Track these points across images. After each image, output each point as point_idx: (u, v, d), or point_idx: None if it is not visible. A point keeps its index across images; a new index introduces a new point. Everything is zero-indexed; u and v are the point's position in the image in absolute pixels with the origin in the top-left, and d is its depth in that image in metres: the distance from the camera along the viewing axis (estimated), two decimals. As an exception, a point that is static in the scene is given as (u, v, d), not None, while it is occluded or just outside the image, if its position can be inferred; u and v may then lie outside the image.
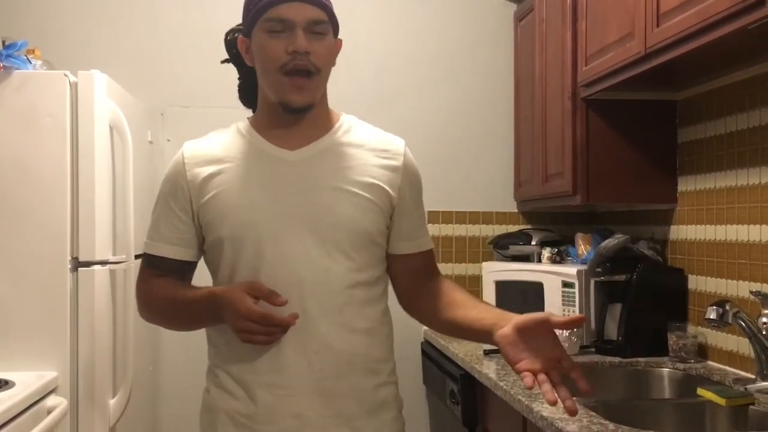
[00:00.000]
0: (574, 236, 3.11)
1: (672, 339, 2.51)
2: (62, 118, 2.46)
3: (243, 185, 1.55)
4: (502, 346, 1.42)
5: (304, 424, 1.52)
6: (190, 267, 1.64)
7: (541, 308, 2.92)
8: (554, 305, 2.87)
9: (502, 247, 3.36)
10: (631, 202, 2.84)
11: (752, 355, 2.17)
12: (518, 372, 1.36)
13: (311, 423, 1.52)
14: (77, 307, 2.48)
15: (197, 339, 1.68)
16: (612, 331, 2.70)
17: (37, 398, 2.24)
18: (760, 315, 2.11)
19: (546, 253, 3.14)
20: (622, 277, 2.67)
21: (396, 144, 1.67)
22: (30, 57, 2.57)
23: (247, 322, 1.44)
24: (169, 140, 3.30)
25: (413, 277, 1.68)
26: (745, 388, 2.09)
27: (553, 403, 1.33)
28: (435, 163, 3.47)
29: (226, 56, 1.69)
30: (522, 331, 1.40)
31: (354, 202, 1.56)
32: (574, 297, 2.78)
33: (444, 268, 3.47)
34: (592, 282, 2.77)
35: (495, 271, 3.28)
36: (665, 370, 2.48)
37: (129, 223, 2.63)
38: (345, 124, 1.65)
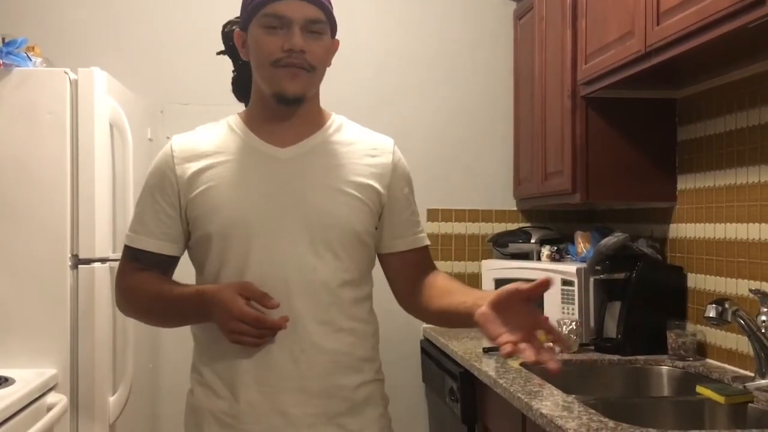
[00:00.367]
0: (573, 234, 3.12)
1: (671, 337, 2.52)
2: (62, 116, 2.46)
3: (233, 181, 1.55)
4: (481, 325, 1.40)
5: (288, 423, 1.52)
6: (173, 262, 1.63)
7: (541, 306, 2.92)
8: (554, 303, 2.87)
9: (501, 245, 3.36)
10: (631, 200, 2.84)
11: (751, 353, 2.17)
12: (499, 345, 1.35)
13: (296, 421, 1.52)
14: (77, 305, 2.48)
15: (197, 337, 1.67)
16: (611, 329, 2.70)
17: (37, 395, 2.24)
18: (759, 313, 2.11)
19: (545, 251, 3.14)
20: (622, 275, 2.67)
21: (385, 143, 1.66)
22: (30, 54, 2.57)
23: (238, 323, 1.44)
24: (168, 137, 3.26)
25: (409, 275, 1.68)
26: (744, 386, 2.09)
27: (534, 361, 1.33)
28: (435, 162, 3.48)
29: (223, 48, 1.69)
30: (497, 306, 1.39)
31: (344, 201, 1.56)
32: (574, 295, 2.78)
33: (443, 266, 3.47)
34: (592, 280, 2.78)
35: (494, 269, 3.28)
36: (664, 368, 2.48)
37: (129, 221, 2.62)
38: (335, 123, 1.65)
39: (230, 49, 1.66)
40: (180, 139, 1.63)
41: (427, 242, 1.71)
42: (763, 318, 2.09)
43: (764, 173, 2.24)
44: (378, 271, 1.69)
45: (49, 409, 2.29)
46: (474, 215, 3.52)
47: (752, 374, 2.16)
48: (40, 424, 2.15)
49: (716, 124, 2.49)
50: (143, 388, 2.99)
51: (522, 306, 1.39)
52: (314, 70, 1.54)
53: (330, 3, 1.58)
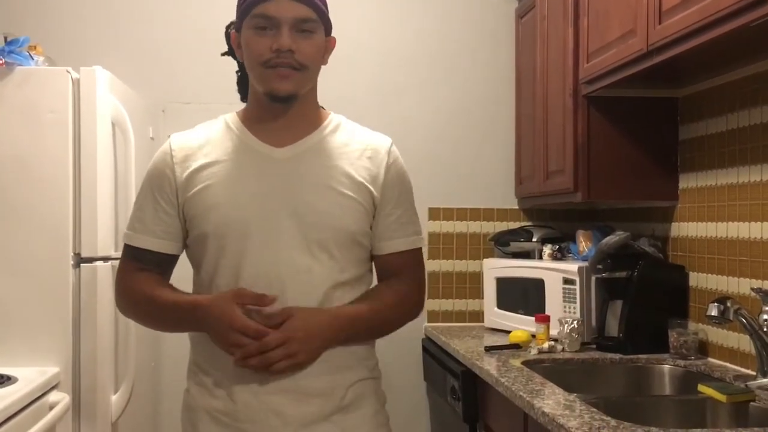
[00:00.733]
0: (575, 233, 3.11)
1: (673, 336, 2.52)
2: (64, 115, 2.46)
3: (229, 181, 1.56)
4: None
5: (284, 422, 1.52)
6: (172, 260, 1.64)
7: (542, 305, 2.93)
8: (555, 302, 2.87)
9: (503, 244, 3.36)
10: (632, 199, 2.84)
11: (753, 351, 2.17)
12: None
13: (291, 420, 1.53)
14: (79, 304, 2.48)
15: (199, 335, 1.67)
16: (613, 328, 2.70)
17: (39, 394, 2.24)
18: (761, 312, 2.11)
19: (547, 249, 3.14)
20: (623, 274, 2.67)
21: (382, 143, 1.65)
22: (32, 53, 2.57)
23: (240, 336, 1.45)
24: (169, 137, 3.29)
25: (391, 277, 1.66)
26: (746, 385, 2.09)
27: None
28: (436, 160, 3.48)
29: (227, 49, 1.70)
30: None
31: (339, 201, 1.56)
32: (575, 294, 2.78)
33: (445, 264, 3.48)
34: (593, 279, 2.78)
35: (496, 268, 3.28)
36: (666, 367, 2.48)
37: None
38: (333, 122, 1.65)
39: (232, 49, 1.66)
40: (178, 137, 1.64)
41: (418, 245, 1.68)
42: (765, 317, 2.09)
43: (766, 172, 2.24)
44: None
45: (51, 407, 2.29)
46: (475, 214, 3.52)
47: (754, 373, 2.16)
48: (42, 423, 2.16)
49: (718, 123, 2.48)
50: (145, 387, 2.99)
51: None
52: (305, 69, 1.54)
53: (323, 1, 1.57)
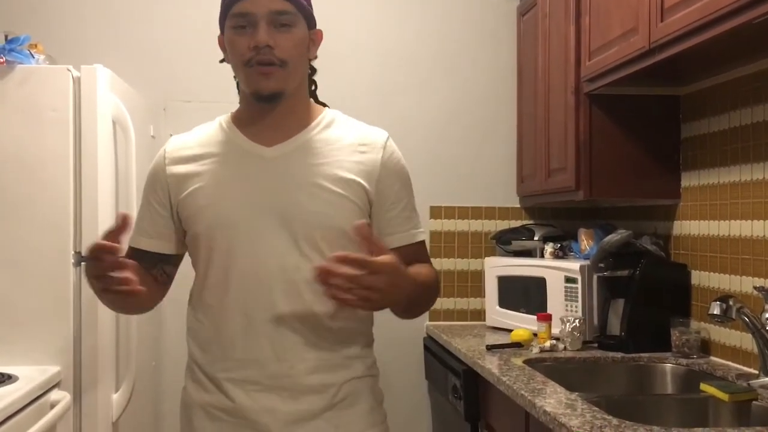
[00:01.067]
0: (576, 231, 3.11)
1: (675, 334, 2.51)
2: (65, 113, 2.46)
3: (219, 182, 1.57)
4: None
5: (276, 419, 1.53)
6: (171, 260, 1.66)
7: (544, 304, 2.92)
8: (557, 300, 2.87)
9: (504, 243, 3.36)
10: (635, 197, 2.84)
11: (755, 350, 2.17)
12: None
13: (284, 417, 1.54)
14: (80, 302, 2.48)
15: (200, 334, 1.67)
16: (615, 326, 2.69)
17: (40, 393, 2.24)
18: (763, 310, 2.10)
19: (548, 248, 3.13)
20: (625, 273, 2.66)
21: (376, 137, 1.64)
22: (33, 51, 2.56)
23: (90, 264, 1.39)
24: (171, 135, 3.28)
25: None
26: (748, 384, 2.09)
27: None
28: (437, 159, 3.47)
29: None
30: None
31: (328, 198, 1.55)
32: (577, 292, 2.78)
33: (446, 263, 3.48)
34: (595, 277, 2.77)
35: (497, 267, 3.28)
36: (668, 366, 2.48)
37: (132, 217, 2.62)
38: (326, 119, 1.64)
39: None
40: (174, 140, 1.68)
41: (421, 238, 1.67)
42: (767, 315, 2.09)
43: (768, 170, 2.23)
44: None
45: (52, 406, 2.29)
46: (477, 212, 3.51)
47: (756, 372, 2.16)
48: (43, 422, 2.15)
49: (720, 121, 2.48)
50: (146, 386, 2.99)
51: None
52: (285, 64, 1.53)
53: None
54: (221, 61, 1.69)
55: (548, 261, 3.05)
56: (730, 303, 2.09)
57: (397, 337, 3.33)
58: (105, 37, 3.32)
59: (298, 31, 1.55)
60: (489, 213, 3.52)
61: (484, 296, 3.39)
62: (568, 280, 2.83)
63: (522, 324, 2.96)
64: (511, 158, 3.50)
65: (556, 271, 2.90)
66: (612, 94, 2.67)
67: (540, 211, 3.51)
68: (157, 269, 1.65)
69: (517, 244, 3.31)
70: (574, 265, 2.82)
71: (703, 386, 2.10)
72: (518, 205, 3.52)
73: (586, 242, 3.01)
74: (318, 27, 1.64)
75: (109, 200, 2.56)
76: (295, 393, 1.54)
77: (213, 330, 1.58)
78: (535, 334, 2.79)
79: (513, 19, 3.49)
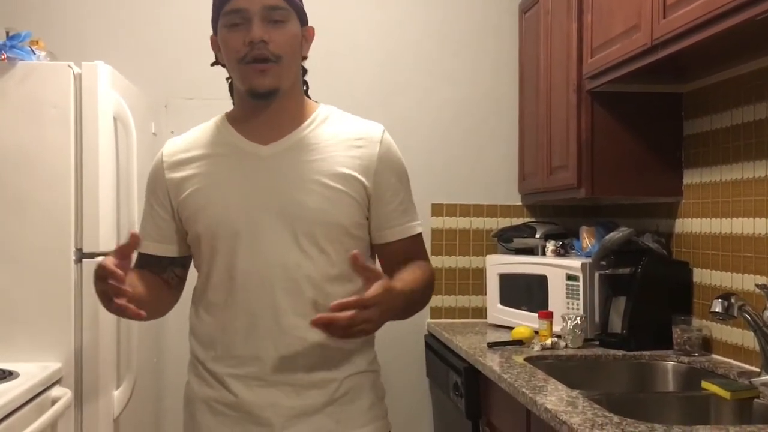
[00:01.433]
0: (578, 229, 3.11)
1: (676, 332, 2.51)
2: (66, 110, 2.46)
3: (217, 182, 1.58)
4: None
5: (278, 414, 1.54)
6: (179, 262, 1.67)
7: (545, 301, 2.92)
8: (558, 298, 2.86)
9: (506, 240, 3.35)
10: (636, 195, 2.83)
11: (757, 348, 2.16)
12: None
13: (286, 412, 1.55)
14: (81, 299, 2.48)
15: (201, 330, 1.67)
16: (616, 324, 2.69)
17: (41, 389, 2.24)
18: (765, 308, 2.10)
19: (550, 246, 3.13)
20: (627, 270, 2.66)
21: (372, 131, 1.64)
22: (34, 48, 2.56)
23: (97, 282, 1.39)
24: (173, 132, 3.25)
25: (397, 265, 1.64)
26: (750, 382, 2.09)
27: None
28: (439, 156, 3.47)
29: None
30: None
31: (327, 195, 1.55)
32: (578, 290, 2.78)
33: (448, 260, 3.47)
34: (597, 275, 2.77)
35: (499, 264, 3.28)
36: (669, 364, 2.47)
37: (133, 215, 2.63)
38: (321, 115, 1.64)
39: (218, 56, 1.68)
40: (170, 143, 1.68)
41: (418, 231, 1.67)
42: (769, 313, 2.09)
43: (771, 168, 2.23)
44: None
45: (54, 402, 2.29)
46: (478, 210, 3.51)
47: (758, 369, 2.16)
48: (44, 418, 2.15)
49: (722, 119, 2.47)
50: (147, 383, 2.99)
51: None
52: (280, 59, 1.53)
53: None
54: (213, 64, 1.70)
55: (550, 259, 3.05)
56: (732, 301, 2.09)
57: (398, 334, 3.32)
58: (106, 34, 3.32)
59: (291, 27, 1.56)
60: (491, 211, 3.51)
61: (485, 294, 3.38)
62: (570, 277, 2.82)
63: (523, 321, 2.96)
64: (513, 156, 3.49)
65: (558, 269, 2.90)
66: (614, 91, 2.67)
67: (542, 209, 3.50)
68: (168, 273, 1.67)
69: (518, 242, 3.30)
70: (575, 263, 2.82)
71: (705, 384, 2.09)
72: (520, 203, 3.52)
73: (587, 240, 3.01)
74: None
75: (110, 197, 2.56)
76: (298, 388, 1.55)
77: (217, 328, 1.59)
78: (536, 332, 2.79)
79: (515, 16, 3.48)
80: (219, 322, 1.58)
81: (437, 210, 3.47)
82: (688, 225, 2.68)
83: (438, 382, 3.16)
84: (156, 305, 1.63)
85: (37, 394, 2.20)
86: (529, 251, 3.27)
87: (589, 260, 2.80)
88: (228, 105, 1.71)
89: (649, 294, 2.62)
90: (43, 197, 2.44)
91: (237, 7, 1.52)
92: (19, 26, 2.64)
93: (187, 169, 1.61)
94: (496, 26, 3.52)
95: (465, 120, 3.51)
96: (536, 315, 2.82)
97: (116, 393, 2.54)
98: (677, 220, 2.74)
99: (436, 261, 3.44)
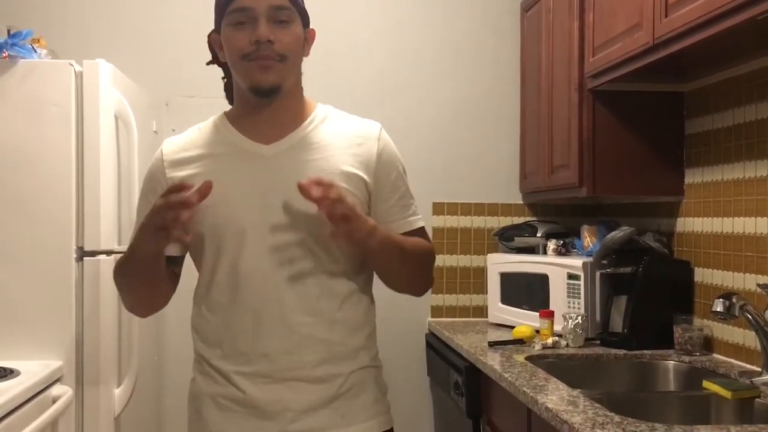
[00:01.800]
0: (579, 228, 3.10)
1: (678, 331, 2.51)
2: (67, 108, 2.46)
3: (219, 182, 1.56)
4: None
5: (285, 407, 1.56)
6: (174, 261, 1.66)
7: (547, 300, 2.92)
8: (559, 297, 2.86)
9: (507, 239, 3.35)
10: (638, 194, 2.83)
11: (758, 347, 2.16)
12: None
13: (292, 406, 1.56)
14: (82, 297, 2.48)
15: (202, 329, 1.67)
16: (617, 323, 2.69)
17: (42, 387, 2.24)
18: (766, 308, 2.10)
19: (551, 245, 3.13)
20: (628, 270, 2.66)
21: (370, 129, 1.65)
22: (35, 46, 2.56)
23: (159, 210, 1.41)
24: (174, 130, 3.28)
25: None
26: (751, 381, 2.08)
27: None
28: (440, 155, 3.47)
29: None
30: None
31: None
32: (580, 289, 2.77)
33: (449, 259, 3.48)
34: (598, 274, 2.77)
35: (500, 263, 3.28)
36: (671, 363, 2.47)
37: (134, 213, 2.61)
38: (320, 114, 1.66)
39: (215, 55, 1.68)
40: (169, 142, 1.68)
41: (420, 224, 1.69)
42: (771, 313, 2.09)
43: (772, 167, 2.23)
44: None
45: (54, 401, 2.29)
46: (480, 209, 3.51)
47: (759, 369, 2.16)
48: (45, 416, 2.16)
49: (724, 118, 2.47)
50: (148, 381, 2.99)
51: None
52: (285, 59, 1.55)
53: None
54: (209, 63, 1.70)
55: (551, 258, 3.05)
56: (733, 300, 2.09)
57: (399, 333, 3.33)
58: (107, 32, 3.32)
59: (295, 27, 1.57)
60: (492, 209, 3.51)
61: (486, 293, 3.38)
62: (571, 276, 2.82)
63: (524, 321, 2.96)
64: (514, 155, 3.49)
65: (559, 268, 2.90)
66: (615, 90, 2.67)
67: (543, 208, 3.50)
68: (167, 271, 1.66)
69: (519, 241, 3.30)
70: (576, 262, 2.82)
71: (706, 383, 2.09)
72: (521, 202, 3.51)
73: (589, 239, 3.01)
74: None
75: (112, 195, 2.56)
76: (304, 384, 1.56)
77: (222, 327, 1.59)
78: (537, 331, 2.79)
79: (516, 15, 3.48)
80: (224, 321, 1.59)
81: (438, 209, 3.47)
82: (689, 224, 2.67)
83: (439, 381, 3.16)
84: (157, 297, 1.65)
85: (38, 393, 2.21)
86: (531, 250, 3.27)
87: (590, 259, 2.79)
88: (229, 104, 1.71)
89: (650, 293, 2.61)
90: (44, 195, 2.44)
91: (243, 6, 1.52)
92: (20, 24, 2.64)
93: (189, 168, 1.60)
94: (496, 25, 3.52)
95: (466, 119, 3.51)
96: (537, 314, 2.82)
97: (117, 391, 2.54)
98: (678, 219, 2.74)
99: (437, 260, 3.40)
